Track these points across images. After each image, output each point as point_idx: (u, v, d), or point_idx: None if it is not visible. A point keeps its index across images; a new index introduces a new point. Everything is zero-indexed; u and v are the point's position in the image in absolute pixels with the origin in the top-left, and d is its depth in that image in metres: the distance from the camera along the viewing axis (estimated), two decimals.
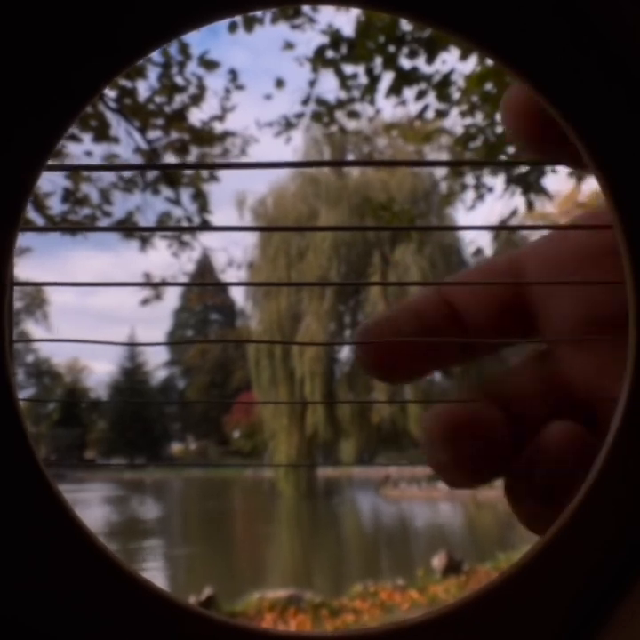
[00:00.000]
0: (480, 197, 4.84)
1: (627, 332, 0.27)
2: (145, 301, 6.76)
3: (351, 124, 5.42)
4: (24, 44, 0.26)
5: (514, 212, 4.73)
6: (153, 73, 5.09)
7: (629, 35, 0.25)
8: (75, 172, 4.93)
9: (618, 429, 0.27)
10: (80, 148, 4.91)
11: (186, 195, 5.83)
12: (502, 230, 4.83)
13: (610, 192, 0.26)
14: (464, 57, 3.94)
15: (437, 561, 7.44)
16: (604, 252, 0.29)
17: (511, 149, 4.13)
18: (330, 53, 4.23)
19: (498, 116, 4.05)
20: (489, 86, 3.92)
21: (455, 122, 4.55)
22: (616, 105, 0.26)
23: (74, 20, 0.26)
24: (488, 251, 5.57)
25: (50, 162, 0.26)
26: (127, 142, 5.38)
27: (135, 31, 0.26)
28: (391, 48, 4.01)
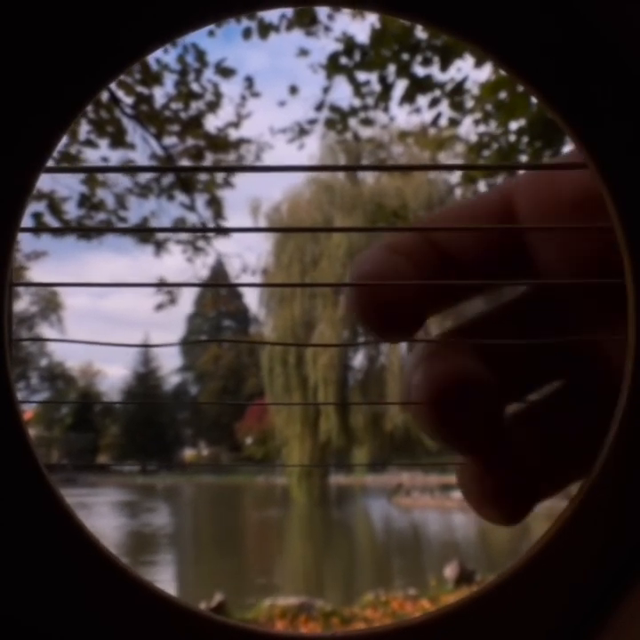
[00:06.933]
0: None
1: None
2: (159, 306, 6.79)
3: (365, 132, 5.43)
4: (24, 44, 0.26)
5: None
6: (169, 80, 5.14)
7: (629, 34, 0.25)
8: (90, 177, 4.97)
9: (617, 429, 0.27)
10: (96, 153, 4.95)
11: (201, 200, 5.87)
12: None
13: (609, 192, 0.26)
14: (478, 65, 3.94)
15: (449, 571, 7.38)
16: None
17: (524, 158, 4.12)
18: (343, 60, 4.23)
19: (511, 125, 4.05)
20: (503, 95, 3.91)
21: (469, 130, 4.55)
22: (615, 105, 0.27)
23: (74, 19, 0.26)
24: None
25: (50, 163, 0.27)
26: (143, 148, 5.42)
27: (136, 31, 0.26)
28: (405, 56, 4.01)
